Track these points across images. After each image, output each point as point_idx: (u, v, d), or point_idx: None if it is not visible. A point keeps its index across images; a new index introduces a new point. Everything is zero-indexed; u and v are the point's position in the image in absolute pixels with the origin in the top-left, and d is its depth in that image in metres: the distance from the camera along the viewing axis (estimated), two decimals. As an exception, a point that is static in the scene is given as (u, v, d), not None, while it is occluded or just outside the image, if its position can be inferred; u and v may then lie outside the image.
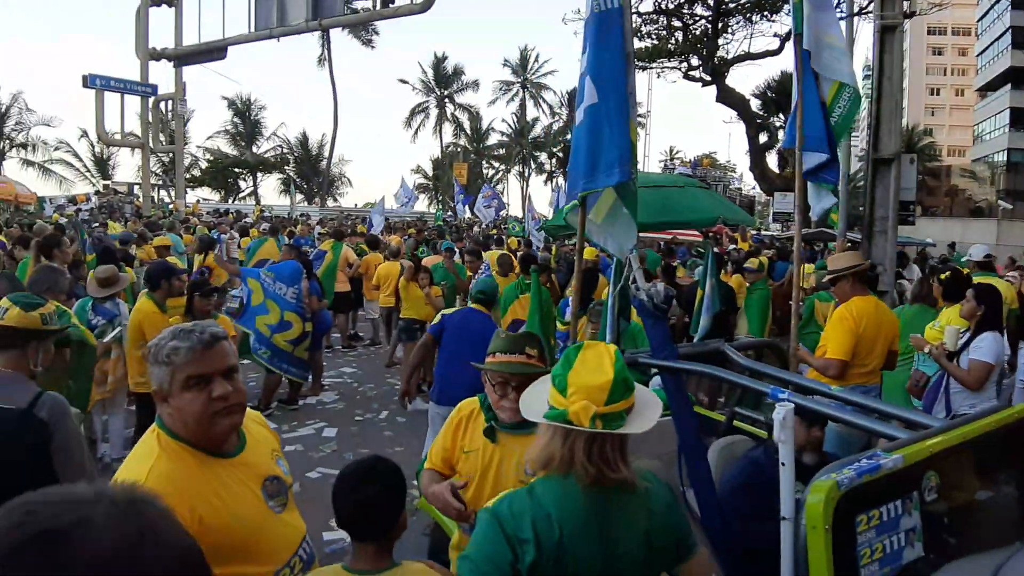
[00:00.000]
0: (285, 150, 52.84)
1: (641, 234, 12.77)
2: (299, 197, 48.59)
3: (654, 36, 20.41)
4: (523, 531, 1.59)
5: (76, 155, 42.69)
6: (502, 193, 52.80)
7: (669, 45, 20.24)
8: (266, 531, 1.82)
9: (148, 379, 5.25)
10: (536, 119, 57.86)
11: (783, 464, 1.66)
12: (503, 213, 25.26)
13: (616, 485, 1.62)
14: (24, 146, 40.49)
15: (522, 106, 57.05)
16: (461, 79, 54.90)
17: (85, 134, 41.61)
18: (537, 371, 2.30)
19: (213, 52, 22.53)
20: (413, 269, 8.05)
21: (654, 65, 20.73)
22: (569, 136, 55.76)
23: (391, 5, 17.92)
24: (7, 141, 40.21)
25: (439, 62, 54.04)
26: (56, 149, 41.38)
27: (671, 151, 57.24)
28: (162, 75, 27.32)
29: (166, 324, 5.15)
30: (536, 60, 56.48)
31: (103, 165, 44.34)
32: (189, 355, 1.74)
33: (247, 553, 1.76)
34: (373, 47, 46.68)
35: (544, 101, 57.18)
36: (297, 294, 7.34)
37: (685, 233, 13.58)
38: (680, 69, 20.58)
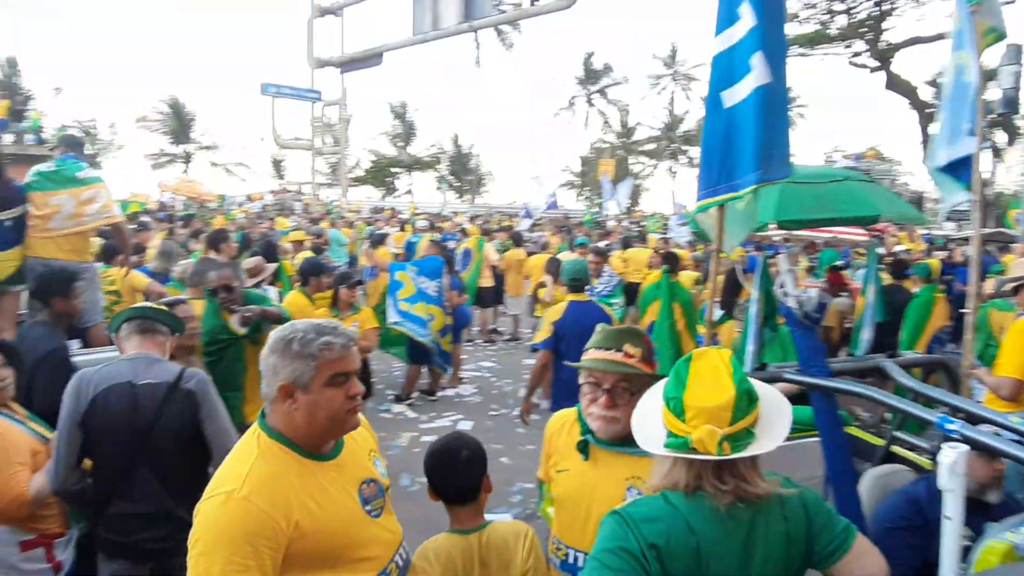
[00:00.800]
0: (438, 150, 54.96)
1: (797, 232, 11.91)
2: (451, 195, 50.40)
3: (815, 20, 19.05)
4: (656, 536, 1.44)
5: (255, 157, 46.97)
6: (647, 191, 51.87)
7: (831, 30, 18.82)
8: (363, 537, 1.75)
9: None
10: (687, 112, 56.10)
11: (948, 518, 1.39)
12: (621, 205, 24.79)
13: (755, 499, 1.48)
14: (210, 148, 45.14)
15: (672, 99, 55.61)
16: (609, 74, 54.40)
17: (263, 138, 45.62)
18: (633, 372, 1.97)
19: (371, 59, 23.71)
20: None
21: (816, 51, 19.33)
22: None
23: (537, 3, 18.01)
24: (195, 144, 44.95)
25: (587, 58, 53.90)
26: (240, 151, 45.77)
27: (833, 144, 53.29)
28: (329, 82, 30.07)
29: (315, 317, 5.44)
30: (686, 52, 54.88)
31: (278, 166, 48.33)
32: (342, 352, 1.72)
33: (342, 560, 1.70)
34: (511, 48, 47.25)
35: (695, 93, 55.34)
36: (439, 288, 7.55)
37: (848, 232, 12.48)
38: (843, 55, 19.05)
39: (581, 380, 2.06)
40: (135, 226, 10.15)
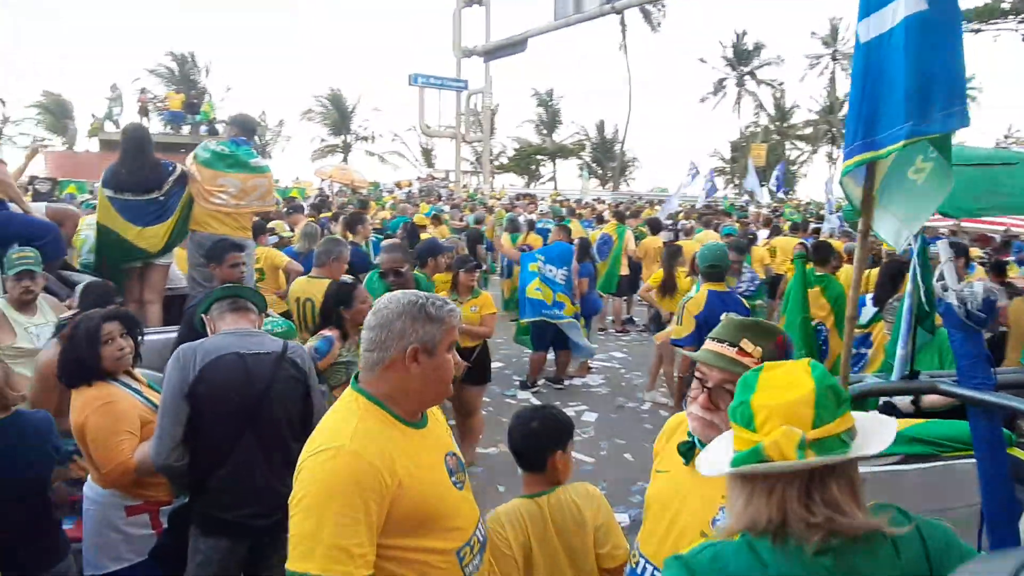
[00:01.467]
0: (582, 136, 54.67)
1: (965, 223, 10.53)
2: (594, 182, 49.96)
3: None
4: None
5: (407, 146, 49.07)
6: (804, 177, 48.60)
7: (1004, 4, 16.75)
8: (450, 505, 1.78)
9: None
10: (848, 94, 51.93)
11: None
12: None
13: (855, 536, 1.15)
14: (366, 139, 47.77)
15: (832, 80, 51.69)
16: (761, 53, 51.44)
17: (419, 128, 47.61)
18: (739, 371, 1.65)
19: (515, 45, 23.99)
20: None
21: (987, 27, 17.28)
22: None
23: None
24: (353, 135, 47.66)
25: (739, 38, 51.25)
26: (393, 140, 48.08)
27: (1009, 128, 47.33)
28: (475, 71, 30.61)
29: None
30: (847, 29, 50.67)
31: (428, 155, 50.16)
32: (459, 320, 1.85)
33: (435, 525, 1.73)
34: (658, 30, 45.56)
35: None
36: (567, 276, 7.37)
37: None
38: (1017, 31, 16.92)
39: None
40: (287, 210, 10.81)
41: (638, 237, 11.33)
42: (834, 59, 51.18)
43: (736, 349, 1.69)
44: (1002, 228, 11.57)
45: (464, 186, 31.21)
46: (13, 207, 4.54)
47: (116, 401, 2.74)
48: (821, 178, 49.88)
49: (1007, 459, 1.98)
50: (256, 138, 5.44)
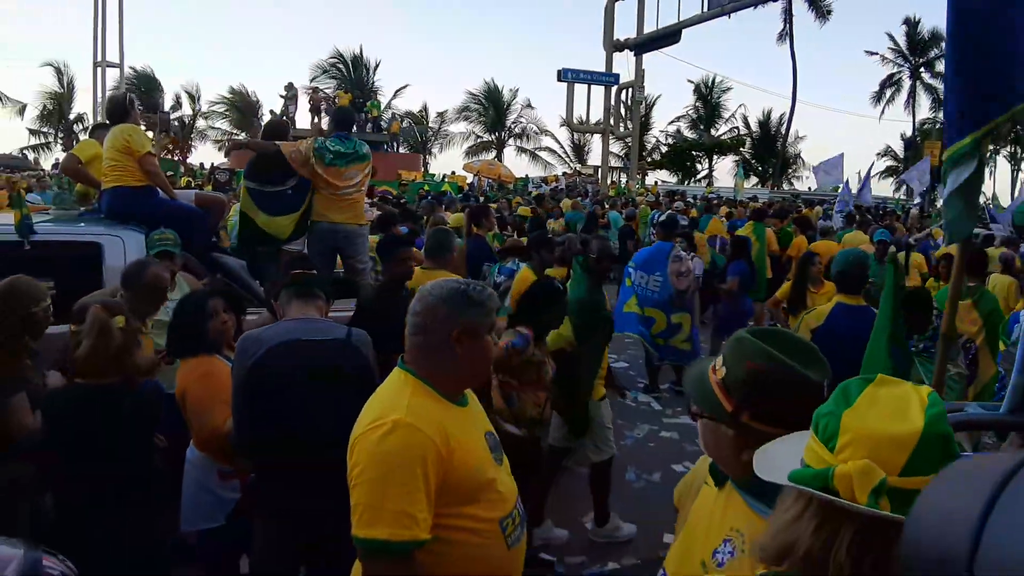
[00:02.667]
0: (743, 131, 52.17)
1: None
2: (754, 180, 47.54)
3: None
4: None
5: (559, 143, 49.27)
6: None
7: None
8: (492, 478, 1.90)
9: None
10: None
11: None
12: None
13: None
14: (520, 135, 48.57)
15: None
16: (940, 44, 46.17)
17: (566, 123, 47.80)
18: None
19: (669, 37, 23.33)
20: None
21: None
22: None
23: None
24: (507, 131, 48.61)
25: (912, 27, 46.34)
26: (545, 136, 48.49)
27: None
28: (625, 65, 30.05)
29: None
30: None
31: (579, 151, 50.11)
32: (498, 305, 2.00)
33: (481, 495, 1.85)
34: (829, 17, 41.82)
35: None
36: (660, 281, 6.15)
37: None
38: None
39: None
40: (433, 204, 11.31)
41: (787, 237, 10.60)
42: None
43: (712, 366, 1.44)
44: None
45: (612, 182, 30.88)
46: (163, 195, 5.04)
47: (215, 373, 2.93)
48: (1004, 180, 44.15)
49: None
50: (353, 127, 5.77)
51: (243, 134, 43.24)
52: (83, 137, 23.67)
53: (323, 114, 27.03)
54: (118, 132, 4.76)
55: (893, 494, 0.95)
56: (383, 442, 1.72)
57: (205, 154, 44.35)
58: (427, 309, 1.90)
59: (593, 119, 28.27)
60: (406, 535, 1.67)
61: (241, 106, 44.36)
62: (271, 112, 28.17)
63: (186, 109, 45.37)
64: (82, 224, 4.76)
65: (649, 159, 50.03)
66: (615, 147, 40.83)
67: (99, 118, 23.81)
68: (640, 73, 26.63)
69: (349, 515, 1.72)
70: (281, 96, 28.08)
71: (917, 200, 18.43)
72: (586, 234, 7.92)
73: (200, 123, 45.87)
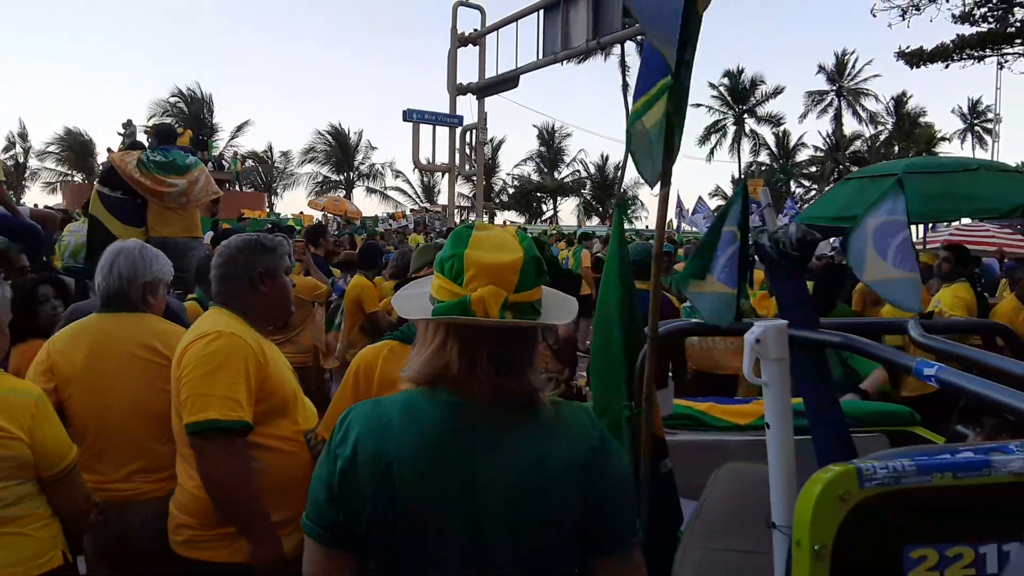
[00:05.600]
0: (583, 175, 55.25)
1: (940, 234, 10.58)
2: (595, 220, 50.33)
3: (990, 19, 17.08)
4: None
5: (409, 183, 49.82)
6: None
7: (1010, 28, 16.80)
8: (301, 397, 2.25)
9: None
10: (857, 134, 52.54)
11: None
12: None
13: (518, 401, 1.24)
14: (368, 176, 48.65)
15: (837, 117, 52.25)
16: (761, 90, 52.02)
17: (413, 162, 48.45)
18: None
19: (508, 82, 24.55)
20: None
21: (991, 53, 17.32)
22: (896, 149, 49.11)
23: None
24: (355, 172, 48.53)
25: (735, 76, 51.82)
26: (396, 177, 48.86)
27: None
28: (469, 107, 30.90)
29: (380, 295, 5.68)
30: (855, 65, 51.32)
31: (429, 191, 50.85)
32: (289, 249, 2.42)
33: (289, 408, 2.15)
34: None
35: (864, 109, 51.71)
36: None
37: (1018, 243, 10.80)
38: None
39: None
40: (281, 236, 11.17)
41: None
42: (840, 96, 51.79)
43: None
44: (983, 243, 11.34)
45: (462, 220, 31.63)
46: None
47: None
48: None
49: (835, 400, 2.03)
50: (175, 141, 5.82)
51: (78, 175, 41.04)
52: None
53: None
54: None
55: (513, 306, 1.20)
56: (209, 345, 1.99)
57: (37, 195, 41.47)
58: (228, 259, 2.21)
59: (440, 160, 28.97)
60: (233, 415, 1.92)
61: (75, 146, 42.00)
62: (108, 150, 26.40)
63: (16, 149, 42.52)
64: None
65: (497, 200, 51.69)
66: (464, 188, 41.96)
67: None
68: (483, 116, 27.70)
69: None
70: (119, 134, 26.49)
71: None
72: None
73: (32, 163, 43.30)
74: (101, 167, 5.69)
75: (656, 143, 1.97)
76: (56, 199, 35.86)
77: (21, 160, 43.19)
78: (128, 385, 2.34)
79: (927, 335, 1.86)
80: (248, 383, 1.99)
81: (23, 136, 43.57)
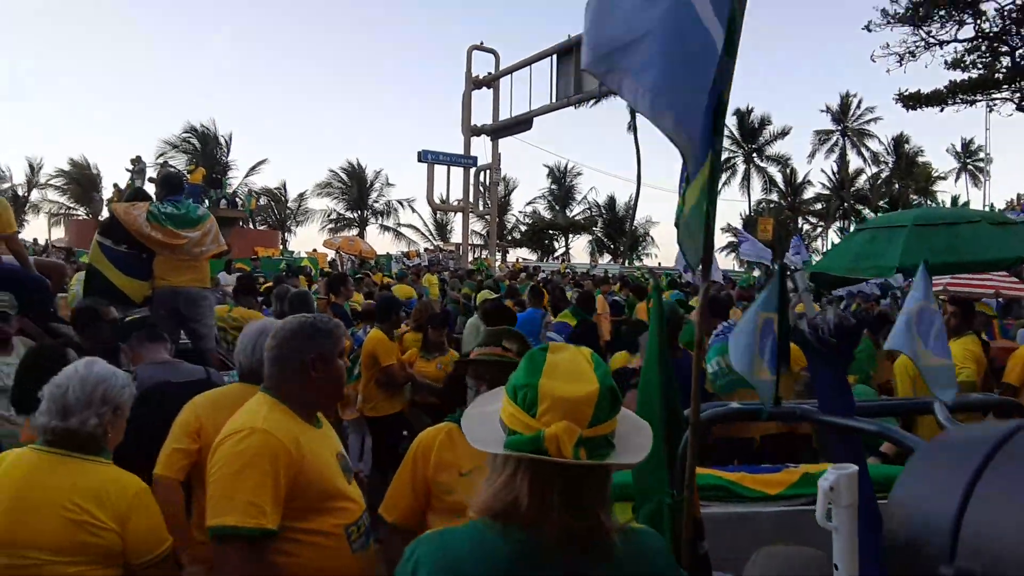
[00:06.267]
0: (594, 212, 55.54)
1: (955, 285, 10.64)
2: (607, 258, 50.47)
3: (979, 65, 17.57)
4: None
5: (423, 221, 50.19)
6: (815, 252, 48.90)
7: (997, 74, 17.26)
8: (342, 488, 2.12)
9: (379, 405, 5.69)
10: (860, 170, 52.90)
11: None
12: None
13: (589, 540, 1.22)
14: (382, 214, 49.08)
15: (842, 156, 52.60)
16: (769, 130, 52.51)
17: (428, 202, 48.90)
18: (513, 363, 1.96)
19: (521, 124, 24.98)
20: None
21: (981, 97, 17.75)
22: (896, 187, 49.61)
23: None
24: (369, 210, 48.95)
25: (743, 116, 52.31)
26: (409, 210, 49.29)
27: (1017, 198, 47.78)
28: (483, 148, 31.49)
29: (396, 350, 5.70)
30: (858, 106, 51.90)
31: (443, 229, 51.19)
32: (344, 333, 2.29)
33: (329, 503, 2.06)
34: None
35: (867, 149, 52.12)
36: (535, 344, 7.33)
37: (1014, 286, 10.88)
38: (1014, 101, 17.35)
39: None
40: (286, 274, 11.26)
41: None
42: (844, 135, 52.17)
43: (500, 348, 2.10)
44: (989, 289, 11.38)
45: (475, 259, 31.82)
46: (8, 258, 4.90)
47: None
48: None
49: (870, 484, 2.02)
50: (182, 191, 5.71)
51: (81, 209, 40.78)
52: None
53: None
54: None
55: (586, 442, 1.17)
56: (239, 444, 1.94)
57: (38, 228, 41.51)
58: (281, 342, 2.15)
59: (454, 198, 29.29)
60: (252, 523, 1.86)
61: (81, 179, 41.95)
62: (114, 186, 26.82)
63: (17, 179, 42.51)
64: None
65: (510, 237, 51.97)
66: (477, 225, 42.25)
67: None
68: (496, 156, 28.11)
69: None
70: (128, 170, 26.89)
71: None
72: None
73: (34, 195, 43.11)
74: (103, 218, 5.54)
75: (696, 229, 1.99)
76: (59, 233, 35.94)
77: (23, 194, 42.87)
78: None
79: (952, 420, 1.91)
80: (276, 485, 1.92)
81: (34, 168, 43.44)
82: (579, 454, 1.16)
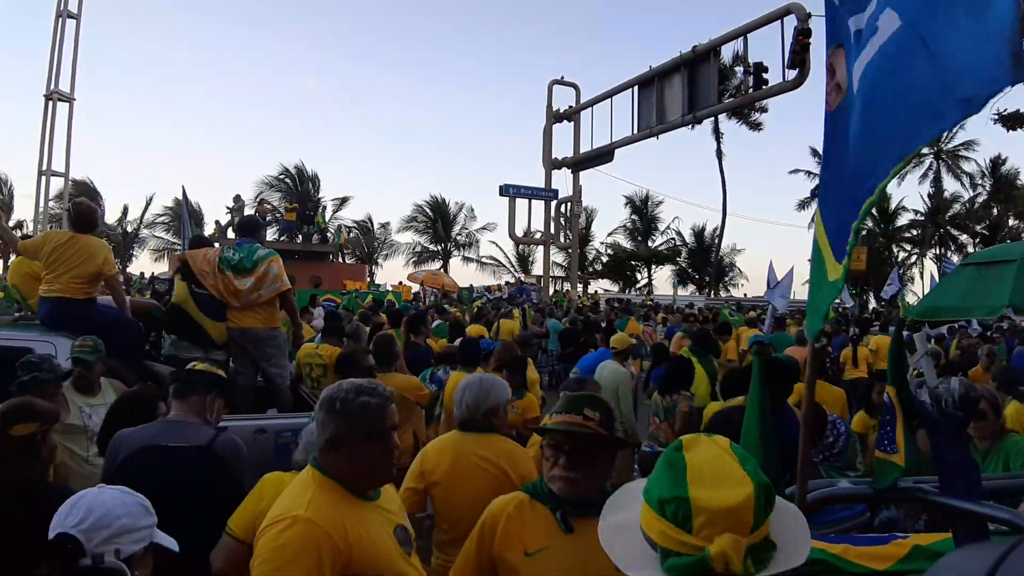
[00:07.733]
0: (678, 243, 54.58)
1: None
2: (691, 288, 49.35)
3: None
4: None
5: (505, 253, 50.63)
6: (911, 280, 46.33)
7: None
8: (401, 570, 1.97)
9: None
10: (956, 195, 49.90)
11: None
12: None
13: None
14: (466, 246, 49.85)
15: (936, 180, 49.71)
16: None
17: (509, 235, 49.34)
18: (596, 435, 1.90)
19: (603, 156, 24.91)
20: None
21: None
22: (995, 210, 46.53)
23: (764, 87, 17.71)
24: (453, 243, 49.81)
25: (836, 142, 50.32)
26: (489, 239, 49.87)
27: None
28: (564, 181, 31.62)
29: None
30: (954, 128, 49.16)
31: (524, 261, 51.47)
32: (378, 411, 2.00)
33: None
34: (761, 130, 44.35)
35: (964, 173, 49.11)
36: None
37: None
38: None
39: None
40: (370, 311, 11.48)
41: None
42: (938, 158, 49.47)
43: (581, 417, 1.90)
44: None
45: (556, 291, 31.77)
46: (107, 299, 5.15)
47: None
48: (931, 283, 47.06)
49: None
50: (258, 233, 5.80)
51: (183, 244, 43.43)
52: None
53: (269, 225, 27.43)
54: (92, 247, 4.94)
55: (750, 550, 1.08)
56: (281, 536, 1.82)
57: (144, 263, 44.68)
58: (329, 410, 2.00)
59: (535, 230, 29.46)
60: None
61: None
62: (216, 223, 28.34)
63: (131, 216, 45.88)
64: (18, 330, 4.83)
65: (591, 269, 51.63)
66: (558, 257, 42.24)
67: (40, 226, 23.59)
68: (578, 189, 28.11)
69: None
70: (228, 208, 28.40)
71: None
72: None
73: (142, 231, 46.57)
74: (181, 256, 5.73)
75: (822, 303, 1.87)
76: (162, 267, 38.39)
77: (133, 230, 46.13)
78: (475, 489, 2.80)
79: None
80: None
81: (147, 203, 46.57)
82: (747, 565, 1.07)
